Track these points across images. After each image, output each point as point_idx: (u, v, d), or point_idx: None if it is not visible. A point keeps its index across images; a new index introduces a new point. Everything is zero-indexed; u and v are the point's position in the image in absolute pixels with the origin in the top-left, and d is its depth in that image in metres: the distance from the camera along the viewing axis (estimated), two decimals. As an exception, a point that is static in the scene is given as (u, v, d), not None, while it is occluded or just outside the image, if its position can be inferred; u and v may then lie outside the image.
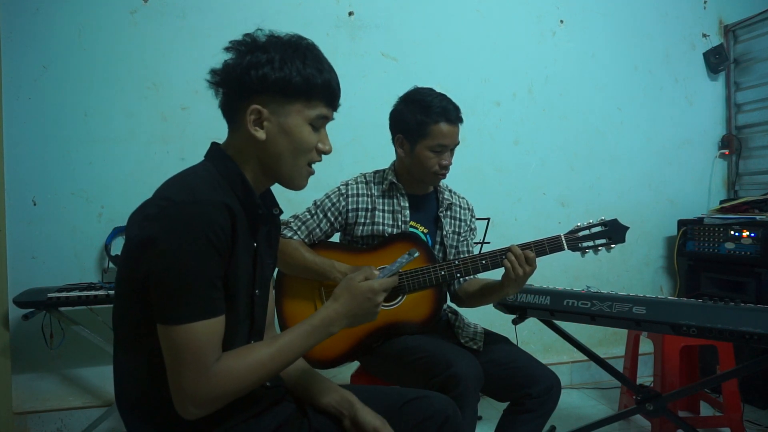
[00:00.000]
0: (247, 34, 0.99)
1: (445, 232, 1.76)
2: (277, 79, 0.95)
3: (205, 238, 0.86)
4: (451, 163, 1.68)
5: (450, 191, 1.85)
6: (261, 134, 0.97)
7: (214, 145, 1.04)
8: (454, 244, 1.79)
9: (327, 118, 1.04)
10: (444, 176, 1.70)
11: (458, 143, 1.68)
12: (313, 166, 1.06)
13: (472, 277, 1.73)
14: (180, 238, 0.85)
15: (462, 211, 1.82)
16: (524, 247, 1.53)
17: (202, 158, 1.04)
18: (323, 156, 1.06)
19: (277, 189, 1.10)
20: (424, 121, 1.62)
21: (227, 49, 0.99)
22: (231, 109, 1.01)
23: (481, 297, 1.68)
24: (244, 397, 0.95)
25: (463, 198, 1.87)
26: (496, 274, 1.62)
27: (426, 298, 1.64)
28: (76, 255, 2.35)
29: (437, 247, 1.76)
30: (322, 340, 1.00)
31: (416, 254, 1.13)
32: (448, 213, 1.79)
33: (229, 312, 0.93)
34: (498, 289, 1.57)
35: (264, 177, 1.04)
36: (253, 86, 0.96)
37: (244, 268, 0.97)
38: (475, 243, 1.89)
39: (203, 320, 0.87)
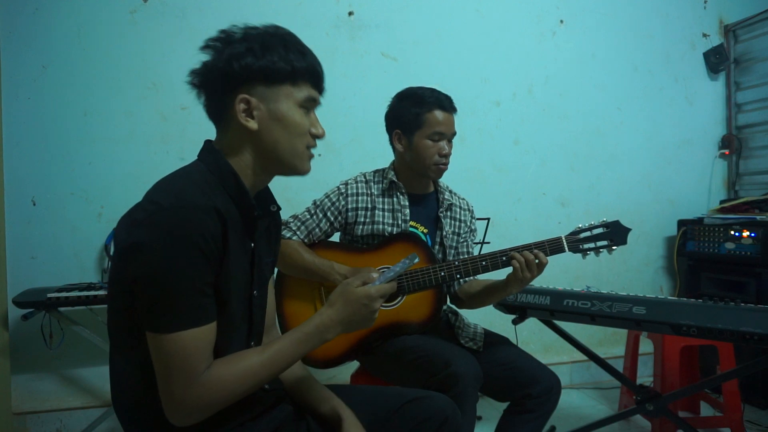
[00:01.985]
0: (221, 30, 0.96)
1: (444, 233, 1.76)
2: (261, 66, 0.93)
3: (194, 245, 0.84)
4: (450, 153, 1.69)
5: (450, 192, 1.85)
6: (253, 124, 0.95)
7: (207, 143, 1.01)
8: (454, 244, 1.79)
9: (315, 101, 1.01)
10: (445, 167, 1.70)
11: (455, 133, 1.70)
12: (311, 159, 1.04)
13: (472, 278, 1.73)
14: (167, 245, 0.83)
15: (462, 212, 1.82)
16: (525, 248, 1.53)
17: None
18: (319, 142, 1.03)
19: (276, 190, 1.09)
20: (418, 112, 1.66)
21: (203, 48, 0.96)
22: (218, 107, 0.98)
23: (484, 297, 1.67)
24: (242, 400, 0.93)
25: (463, 199, 1.87)
26: (496, 275, 1.62)
27: (426, 298, 1.64)
28: (76, 255, 2.34)
29: (437, 247, 1.76)
30: (316, 347, 0.98)
31: (416, 260, 1.10)
32: (449, 213, 1.79)
33: (223, 316, 0.91)
34: (501, 288, 1.57)
35: (263, 172, 1.01)
36: (237, 78, 0.93)
37: (239, 271, 0.95)
38: (475, 243, 1.89)
39: (192, 329, 0.85)
